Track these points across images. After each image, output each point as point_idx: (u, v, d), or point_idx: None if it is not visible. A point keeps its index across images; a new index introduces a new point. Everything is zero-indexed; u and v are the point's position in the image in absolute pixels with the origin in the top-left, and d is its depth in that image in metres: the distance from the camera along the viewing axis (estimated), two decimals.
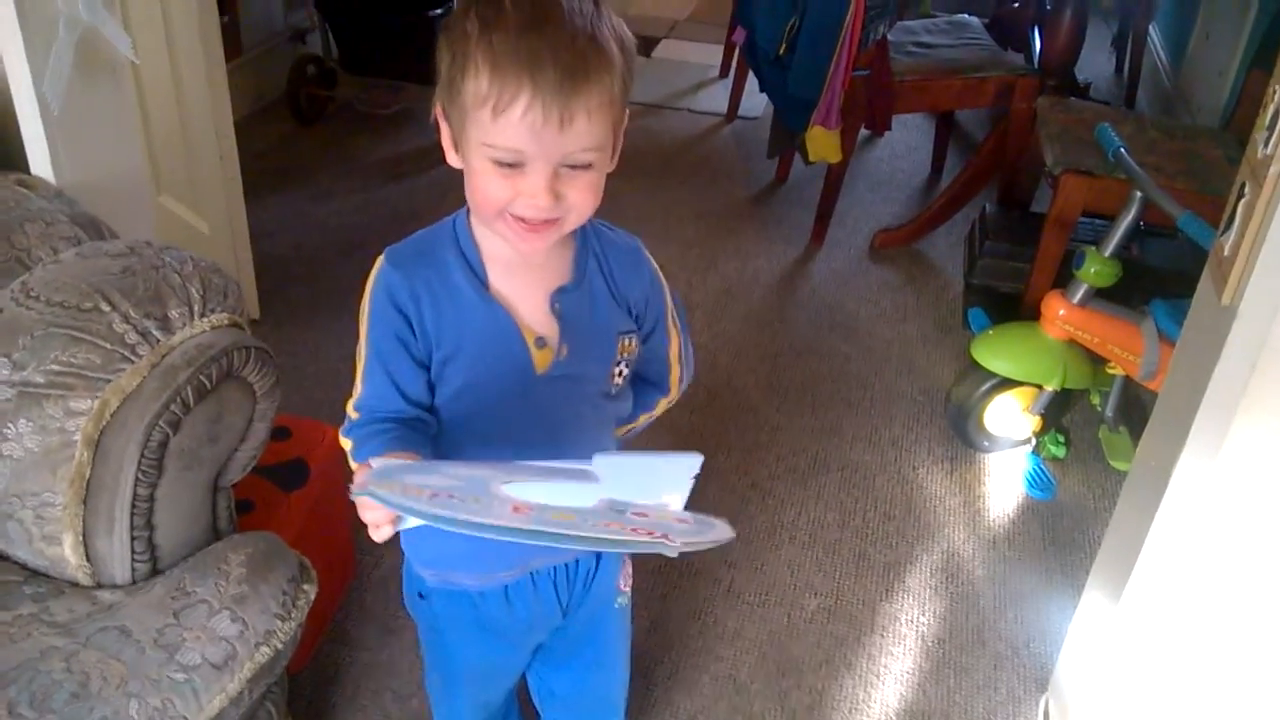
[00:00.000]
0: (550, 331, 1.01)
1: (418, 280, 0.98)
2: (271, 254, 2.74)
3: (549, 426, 1.05)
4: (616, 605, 1.23)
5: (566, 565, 1.15)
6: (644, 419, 1.18)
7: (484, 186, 0.91)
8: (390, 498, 0.84)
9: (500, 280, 1.00)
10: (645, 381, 1.14)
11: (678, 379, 1.15)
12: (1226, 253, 1.28)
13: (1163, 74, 3.81)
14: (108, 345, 1.24)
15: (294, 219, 3.01)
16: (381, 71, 3.40)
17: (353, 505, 0.93)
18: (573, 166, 0.90)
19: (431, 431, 1.01)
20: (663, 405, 1.18)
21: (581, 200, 0.93)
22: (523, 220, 0.92)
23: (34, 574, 1.29)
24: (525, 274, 1.01)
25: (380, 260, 1.01)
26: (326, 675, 1.71)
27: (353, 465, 0.99)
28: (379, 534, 0.87)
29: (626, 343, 1.07)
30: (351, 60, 3.41)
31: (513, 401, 1.02)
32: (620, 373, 1.08)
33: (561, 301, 1.01)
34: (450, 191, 3.38)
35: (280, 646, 1.25)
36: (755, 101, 3.78)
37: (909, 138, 3.70)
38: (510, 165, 0.89)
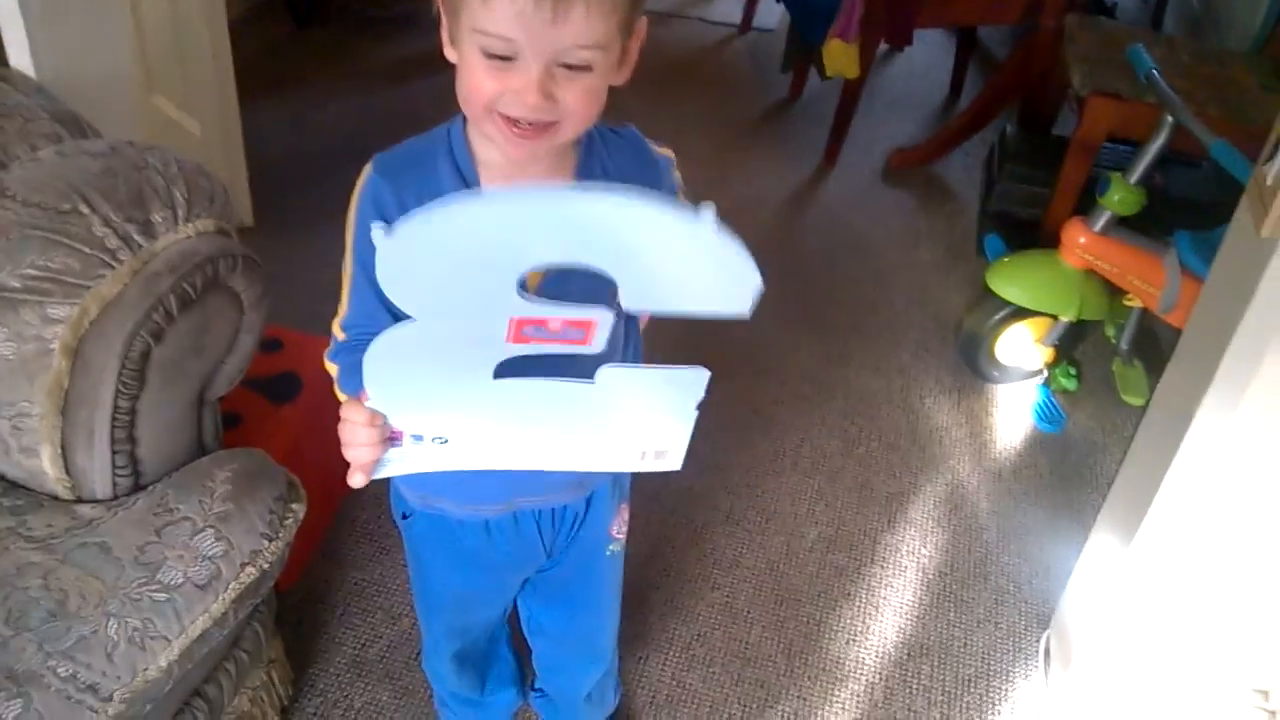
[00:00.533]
0: None
1: (406, 190, 0.91)
2: (267, 159, 2.65)
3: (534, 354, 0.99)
4: (608, 552, 1.19)
5: (553, 509, 1.10)
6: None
7: (472, 78, 0.83)
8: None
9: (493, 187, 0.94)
10: None
11: None
12: (1269, 182, 1.21)
13: None
14: (87, 250, 1.18)
15: (291, 123, 2.91)
16: None
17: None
18: (569, 66, 0.82)
19: None
20: None
21: (578, 105, 0.84)
22: (513, 122, 0.84)
23: (12, 486, 1.24)
24: (522, 184, 0.94)
25: (368, 168, 0.94)
26: (316, 593, 1.69)
27: (339, 395, 0.93)
28: (355, 479, 0.83)
29: None
30: None
31: None
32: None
33: None
34: (453, 100, 3.27)
35: (266, 567, 1.21)
36: (770, 13, 3.65)
37: (928, 55, 3.58)
38: (501, 58, 0.81)
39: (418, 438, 0.86)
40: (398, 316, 0.93)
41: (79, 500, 1.23)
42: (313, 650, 1.60)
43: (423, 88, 3.14)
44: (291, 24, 3.37)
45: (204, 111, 2.27)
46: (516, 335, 0.76)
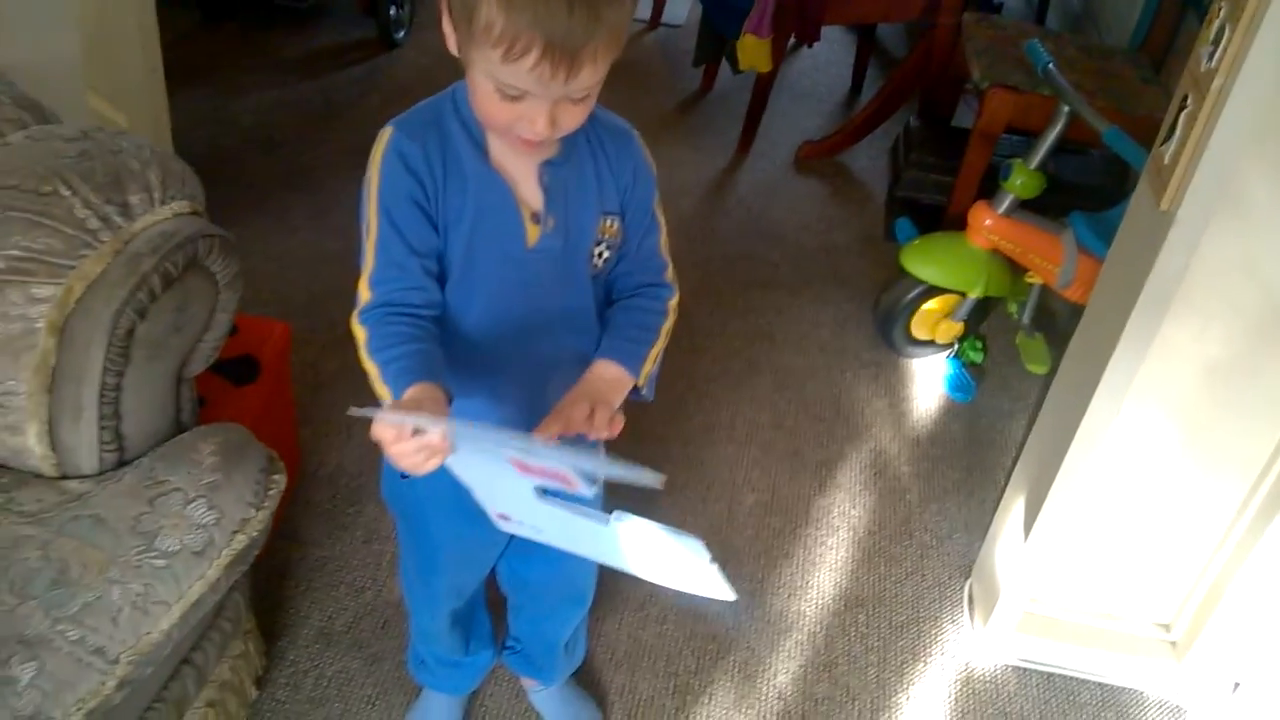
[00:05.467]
0: (541, 205, 1.04)
1: (430, 146, 0.99)
2: (188, 152, 2.60)
3: (535, 300, 1.07)
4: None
5: None
6: (665, 329, 1.12)
7: (486, 105, 0.93)
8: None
9: (499, 152, 1.02)
10: (648, 285, 1.13)
11: (673, 275, 1.16)
12: (1167, 161, 1.35)
13: None
14: (69, 230, 1.20)
15: (209, 116, 2.90)
16: None
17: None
18: (572, 100, 0.93)
19: (439, 327, 1.02)
20: (673, 309, 1.15)
21: (575, 123, 0.96)
22: (521, 136, 0.95)
23: None
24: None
25: (388, 130, 1.01)
26: (278, 570, 1.72)
27: (364, 363, 0.99)
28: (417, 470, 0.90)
29: (608, 224, 1.09)
30: None
31: (506, 272, 1.04)
32: (601, 254, 1.10)
33: (549, 174, 1.03)
34: (371, 90, 3.32)
35: (255, 534, 1.26)
36: (679, 8, 3.76)
37: (830, 52, 3.74)
38: (513, 96, 0.91)
39: (520, 523, 1.02)
40: (424, 267, 1.00)
41: (64, 476, 1.25)
42: (280, 624, 1.64)
43: (338, 79, 3.15)
44: (200, 15, 3.34)
45: (132, 103, 2.25)
46: (521, 470, 0.91)
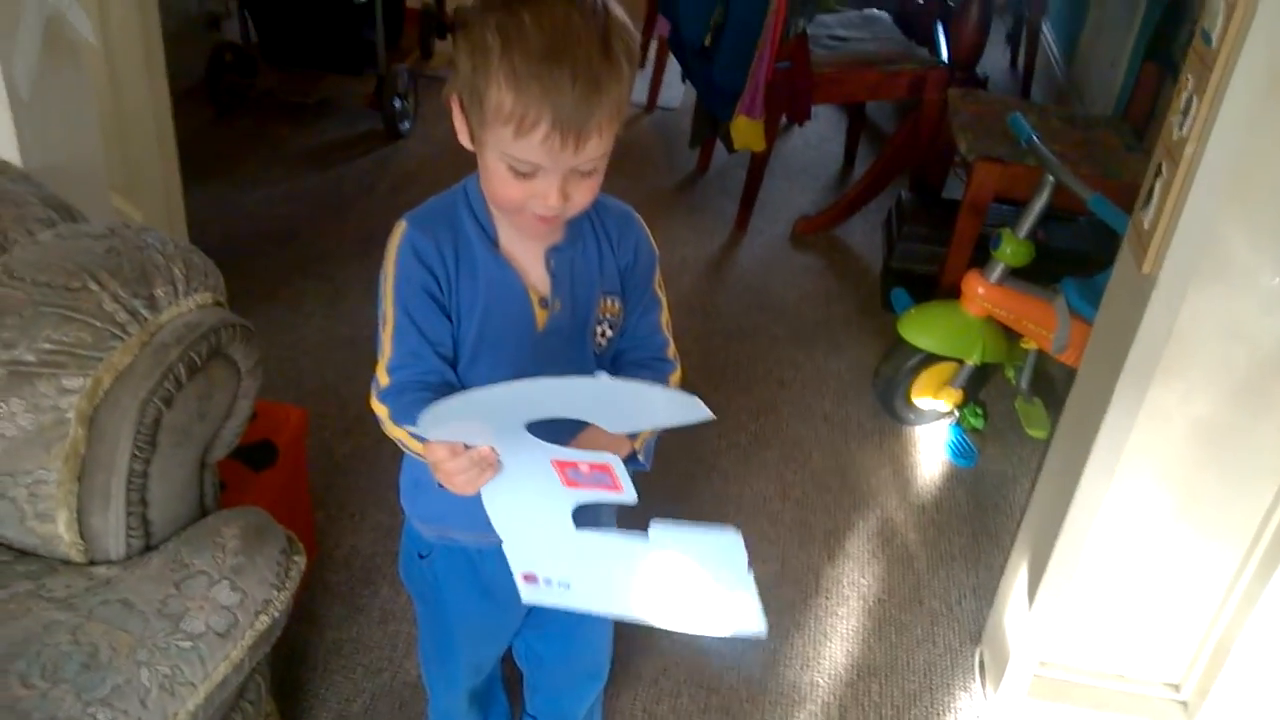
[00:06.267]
0: (548, 290, 1.09)
1: (441, 238, 1.05)
2: (203, 245, 2.67)
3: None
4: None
5: None
6: None
7: (500, 186, 0.99)
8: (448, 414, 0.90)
9: (508, 241, 1.08)
10: (652, 359, 1.17)
11: (674, 352, 1.20)
12: (1146, 226, 1.41)
13: (1056, 67, 4.03)
14: (98, 324, 1.26)
15: (222, 209, 2.98)
16: (303, 60, 3.39)
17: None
18: (581, 172, 0.99)
19: None
20: (674, 383, 1.19)
21: (585, 199, 1.02)
22: (538, 216, 1.01)
23: (23, 553, 1.30)
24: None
25: (401, 225, 1.06)
26: (295, 653, 1.74)
27: (390, 433, 1.03)
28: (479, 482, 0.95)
29: (608, 303, 1.14)
30: (272, 48, 3.39)
31: (518, 355, 1.09)
32: (603, 333, 1.15)
33: (555, 259, 1.09)
34: (379, 181, 3.42)
35: (277, 615, 1.29)
36: (673, 92, 3.87)
37: (821, 130, 3.84)
38: (526, 173, 0.97)
39: (548, 581, 1.03)
40: (439, 354, 1.05)
41: (92, 563, 1.29)
42: (299, 709, 1.65)
43: (346, 171, 3.24)
44: (212, 112, 3.45)
45: (148, 199, 2.33)
46: (566, 479, 0.94)
